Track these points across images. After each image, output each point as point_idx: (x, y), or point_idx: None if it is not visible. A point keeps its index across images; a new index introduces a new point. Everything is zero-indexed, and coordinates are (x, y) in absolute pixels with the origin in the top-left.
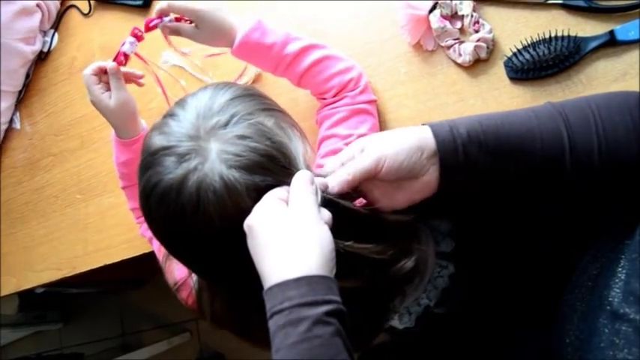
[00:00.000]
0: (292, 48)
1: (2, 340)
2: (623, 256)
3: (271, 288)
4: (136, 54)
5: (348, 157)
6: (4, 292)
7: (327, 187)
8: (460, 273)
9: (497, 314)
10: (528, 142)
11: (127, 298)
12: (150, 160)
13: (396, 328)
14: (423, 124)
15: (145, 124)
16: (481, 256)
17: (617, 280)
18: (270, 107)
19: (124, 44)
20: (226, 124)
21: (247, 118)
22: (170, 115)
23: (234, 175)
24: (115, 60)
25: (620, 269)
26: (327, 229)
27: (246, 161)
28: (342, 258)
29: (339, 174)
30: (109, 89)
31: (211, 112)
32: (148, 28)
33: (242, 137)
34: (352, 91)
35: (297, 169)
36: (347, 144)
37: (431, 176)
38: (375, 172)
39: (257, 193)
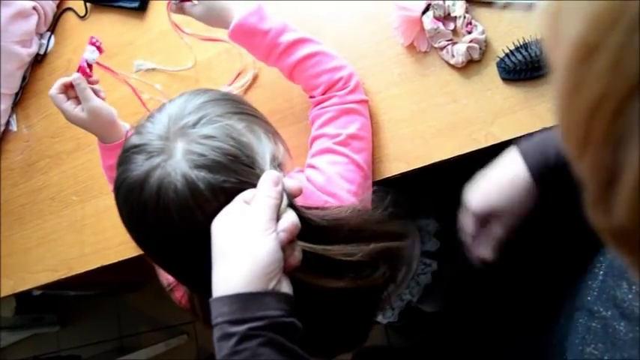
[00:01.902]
0: (287, 38)
1: None
2: (602, 257)
3: (211, 301)
4: (99, 64)
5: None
6: (1, 294)
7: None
8: (443, 271)
9: (484, 314)
10: None
11: (124, 300)
12: (122, 157)
13: (380, 323)
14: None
15: (128, 127)
16: (466, 257)
17: (595, 280)
18: (244, 111)
19: (83, 55)
20: (195, 125)
21: (216, 120)
22: (148, 117)
23: (196, 174)
24: (78, 71)
25: (597, 270)
26: (272, 238)
27: (210, 161)
28: (321, 258)
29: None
30: (79, 103)
31: (182, 114)
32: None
33: (208, 137)
34: (341, 90)
35: (263, 171)
36: (336, 143)
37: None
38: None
39: (224, 195)
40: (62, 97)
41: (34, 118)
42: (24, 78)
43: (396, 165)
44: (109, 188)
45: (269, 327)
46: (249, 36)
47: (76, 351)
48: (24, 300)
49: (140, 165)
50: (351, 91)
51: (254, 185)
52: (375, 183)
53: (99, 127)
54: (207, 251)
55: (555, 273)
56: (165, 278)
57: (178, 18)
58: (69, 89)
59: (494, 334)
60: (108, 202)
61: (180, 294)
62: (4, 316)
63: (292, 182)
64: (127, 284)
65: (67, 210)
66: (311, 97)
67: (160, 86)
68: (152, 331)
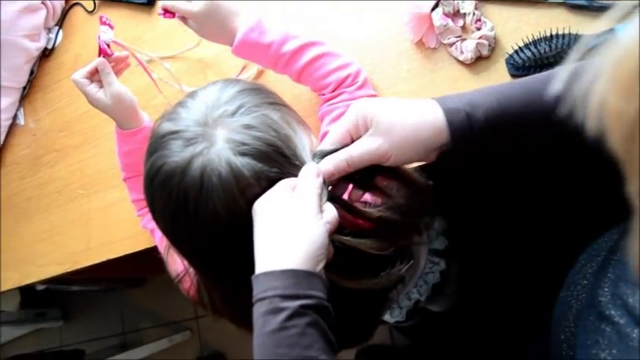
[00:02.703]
0: (290, 47)
1: (3, 337)
2: (614, 257)
3: (258, 276)
4: (116, 42)
5: (352, 125)
6: (7, 287)
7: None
8: (451, 270)
9: (492, 312)
10: (538, 109)
11: (127, 296)
12: (156, 143)
13: (388, 322)
14: (434, 99)
15: (147, 116)
16: (474, 255)
17: (606, 281)
18: (276, 102)
19: (100, 36)
20: (233, 114)
21: (254, 109)
22: (180, 104)
23: (241, 161)
24: (100, 54)
25: (610, 270)
26: (322, 224)
27: (253, 149)
28: (346, 256)
29: (337, 159)
30: (102, 87)
31: (219, 103)
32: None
33: (248, 127)
34: (350, 86)
35: (303, 163)
36: None
37: (432, 158)
38: (377, 163)
39: (267, 182)
40: (85, 80)
41: (41, 112)
42: (31, 72)
43: None
44: (117, 180)
45: (317, 307)
46: (252, 51)
47: (79, 346)
48: (28, 295)
49: (179, 151)
50: (360, 87)
51: (294, 176)
52: None
53: (120, 112)
54: (244, 241)
55: (561, 270)
56: (174, 269)
57: None
58: (93, 75)
59: (495, 329)
60: (114, 196)
61: (188, 284)
62: (9, 311)
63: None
64: (131, 280)
65: (73, 204)
66: (321, 95)
67: (169, 65)
68: (155, 327)
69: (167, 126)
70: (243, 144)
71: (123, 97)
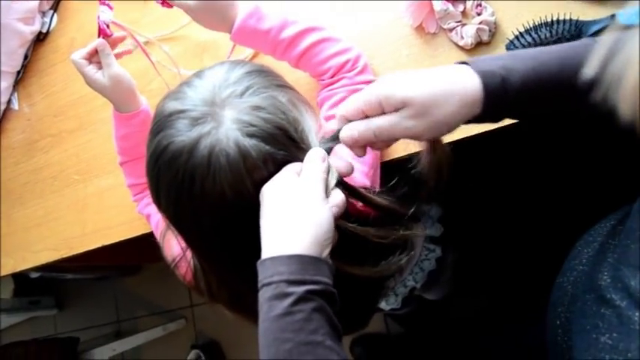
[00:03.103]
0: (288, 32)
1: None
2: (613, 242)
3: (265, 260)
4: (115, 23)
5: (366, 105)
6: (2, 273)
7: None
8: (447, 257)
9: (487, 299)
10: (572, 80)
11: (122, 284)
12: (162, 122)
13: (383, 310)
14: (468, 62)
15: (145, 100)
16: (470, 241)
17: (605, 265)
18: (284, 84)
19: (99, 17)
20: (242, 95)
21: (262, 91)
22: (186, 83)
23: (248, 142)
24: (100, 35)
25: (609, 254)
26: (328, 208)
27: (261, 131)
28: (350, 243)
29: (364, 126)
30: (100, 68)
31: (227, 83)
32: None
33: (257, 108)
34: (350, 71)
35: (310, 146)
36: None
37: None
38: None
39: (274, 165)
40: (84, 61)
41: (35, 96)
42: (26, 56)
43: (404, 146)
44: (113, 165)
45: (323, 293)
46: (251, 38)
47: (73, 334)
48: (22, 283)
49: (186, 131)
50: (360, 72)
51: (301, 160)
52: (380, 165)
53: (117, 94)
54: (250, 225)
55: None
56: (170, 254)
57: None
58: (93, 56)
59: (497, 320)
60: (110, 181)
61: (184, 269)
62: (3, 299)
63: (342, 162)
64: (126, 268)
65: (68, 189)
66: (321, 80)
67: (168, 48)
68: (150, 316)
69: (173, 105)
70: (252, 125)
71: (121, 78)
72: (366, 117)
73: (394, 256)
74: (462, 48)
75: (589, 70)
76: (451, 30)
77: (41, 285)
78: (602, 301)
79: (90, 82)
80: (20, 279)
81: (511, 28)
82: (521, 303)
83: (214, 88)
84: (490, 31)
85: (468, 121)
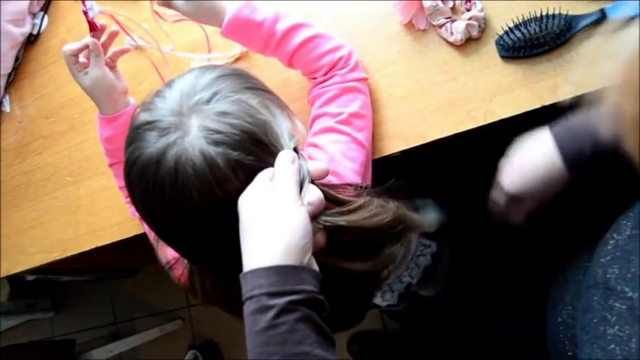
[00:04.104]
0: (282, 25)
1: None
2: (619, 236)
3: (245, 274)
4: (113, 17)
5: None
6: None
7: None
8: (442, 252)
9: (485, 295)
10: None
11: (118, 286)
12: (133, 134)
13: (380, 306)
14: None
15: (133, 101)
16: (465, 237)
17: (613, 258)
18: (255, 87)
19: (87, 13)
20: (209, 101)
21: (230, 95)
22: (157, 93)
23: (214, 150)
24: (91, 31)
25: (617, 247)
26: (302, 211)
27: (227, 138)
28: (340, 238)
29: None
30: (86, 67)
31: (195, 90)
32: None
33: (223, 114)
34: (342, 69)
35: (281, 149)
36: (338, 122)
37: None
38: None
39: (244, 172)
40: (72, 58)
41: (27, 98)
42: (17, 58)
43: (394, 143)
44: (105, 167)
45: (306, 302)
46: (244, 29)
47: (70, 337)
48: (18, 285)
49: (154, 142)
50: (352, 70)
51: (271, 164)
52: (373, 161)
53: (97, 95)
54: (225, 229)
55: (558, 251)
56: (164, 256)
57: None
58: (82, 51)
59: (487, 312)
60: (103, 182)
61: (179, 272)
62: None
63: (317, 165)
64: (121, 270)
65: (61, 191)
66: (313, 78)
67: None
68: (147, 317)
69: (143, 117)
70: (218, 132)
71: (101, 81)
72: None
73: (388, 247)
74: (451, 44)
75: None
76: (441, 26)
77: (37, 288)
78: (610, 294)
79: (75, 79)
80: (16, 282)
81: (501, 23)
82: (519, 299)
83: (182, 96)
84: (480, 26)
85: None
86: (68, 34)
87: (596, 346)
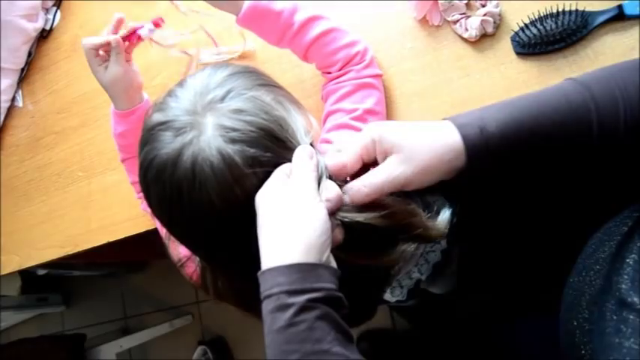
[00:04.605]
0: (300, 17)
1: (4, 322)
2: (631, 244)
3: (264, 272)
4: (150, 39)
5: (364, 149)
6: (7, 270)
7: (342, 167)
8: (452, 249)
9: (495, 294)
10: (560, 130)
11: (128, 281)
12: (147, 135)
13: (389, 302)
14: (446, 119)
15: (146, 96)
16: (476, 234)
17: (625, 267)
18: (268, 83)
19: (141, 27)
20: (223, 99)
21: (244, 92)
22: (169, 93)
23: (232, 148)
24: (126, 39)
25: (628, 254)
26: (321, 207)
27: (243, 135)
28: (357, 234)
29: (356, 189)
30: (105, 60)
31: (208, 89)
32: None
33: (238, 111)
34: (358, 64)
35: (297, 144)
36: (353, 118)
37: (451, 176)
38: (399, 189)
39: (261, 169)
40: (92, 51)
41: (39, 94)
42: (29, 53)
43: None
44: (117, 162)
45: (326, 300)
46: (261, 18)
47: (80, 331)
48: (29, 280)
49: (169, 142)
50: (367, 66)
51: (290, 160)
52: None
53: (114, 91)
54: (242, 228)
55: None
56: (176, 254)
57: None
58: (103, 47)
59: (499, 313)
60: (114, 178)
61: (191, 270)
62: (10, 296)
63: (335, 159)
64: (132, 264)
65: (73, 186)
66: (327, 73)
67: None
68: (157, 312)
69: (156, 117)
70: (234, 130)
71: (119, 79)
72: (363, 163)
73: (401, 245)
74: (466, 40)
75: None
76: (455, 22)
77: (49, 282)
78: (623, 304)
79: (93, 72)
80: (27, 276)
81: (516, 19)
82: (530, 298)
83: (195, 95)
84: (495, 22)
85: (465, 177)
86: (81, 29)
87: (612, 358)
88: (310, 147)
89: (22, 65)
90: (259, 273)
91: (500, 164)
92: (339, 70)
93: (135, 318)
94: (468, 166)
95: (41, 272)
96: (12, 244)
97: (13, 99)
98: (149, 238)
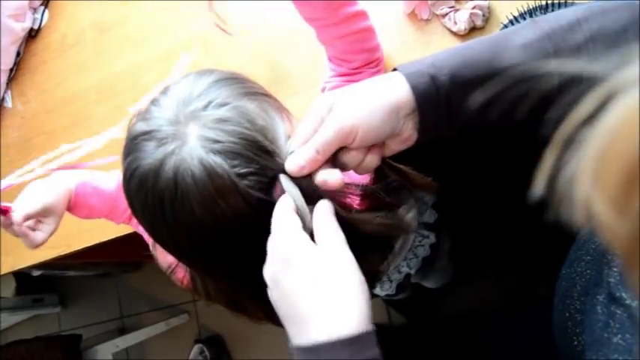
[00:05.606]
0: (350, 9)
1: (0, 324)
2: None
3: (318, 348)
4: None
5: (316, 120)
6: (1, 272)
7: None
8: (441, 243)
9: (488, 288)
10: (517, 69)
11: (124, 280)
12: (131, 145)
13: (379, 295)
14: (395, 69)
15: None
16: (464, 228)
17: (615, 259)
18: (252, 91)
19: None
20: (205, 108)
21: (227, 101)
22: (153, 102)
23: (214, 159)
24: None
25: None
26: (356, 269)
27: (226, 146)
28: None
29: (306, 151)
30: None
31: (191, 98)
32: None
33: (221, 121)
34: (372, 69)
35: (282, 154)
36: None
37: (410, 132)
38: (347, 144)
39: (245, 180)
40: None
41: (29, 94)
42: (18, 53)
43: None
44: (109, 164)
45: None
46: None
47: (77, 331)
48: (24, 281)
49: (152, 152)
50: (379, 71)
51: (274, 170)
52: None
53: (62, 211)
54: (226, 238)
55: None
56: (164, 260)
57: None
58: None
59: (492, 305)
60: None
61: (181, 275)
62: (5, 297)
63: (289, 165)
64: (127, 264)
65: None
66: (339, 65)
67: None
68: (153, 311)
69: (140, 126)
70: (217, 141)
71: (52, 211)
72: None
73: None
74: (455, 34)
75: (537, 190)
76: (444, 15)
77: (44, 283)
78: (611, 299)
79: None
80: (22, 277)
81: (505, 12)
82: (523, 292)
83: (178, 105)
84: (484, 15)
85: (427, 133)
86: (69, 28)
87: (601, 353)
88: (328, 202)
89: (10, 65)
90: (307, 347)
91: (455, 111)
92: (355, 69)
93: (131, 317)
94: (420, 116)
95: (36, 273)
96: (5, 245)
97: (3, 99)
98: (142, 237)
